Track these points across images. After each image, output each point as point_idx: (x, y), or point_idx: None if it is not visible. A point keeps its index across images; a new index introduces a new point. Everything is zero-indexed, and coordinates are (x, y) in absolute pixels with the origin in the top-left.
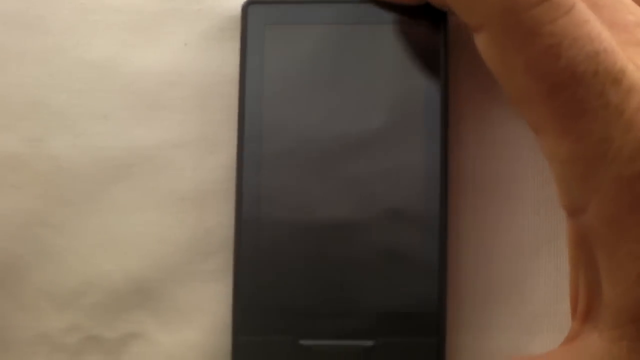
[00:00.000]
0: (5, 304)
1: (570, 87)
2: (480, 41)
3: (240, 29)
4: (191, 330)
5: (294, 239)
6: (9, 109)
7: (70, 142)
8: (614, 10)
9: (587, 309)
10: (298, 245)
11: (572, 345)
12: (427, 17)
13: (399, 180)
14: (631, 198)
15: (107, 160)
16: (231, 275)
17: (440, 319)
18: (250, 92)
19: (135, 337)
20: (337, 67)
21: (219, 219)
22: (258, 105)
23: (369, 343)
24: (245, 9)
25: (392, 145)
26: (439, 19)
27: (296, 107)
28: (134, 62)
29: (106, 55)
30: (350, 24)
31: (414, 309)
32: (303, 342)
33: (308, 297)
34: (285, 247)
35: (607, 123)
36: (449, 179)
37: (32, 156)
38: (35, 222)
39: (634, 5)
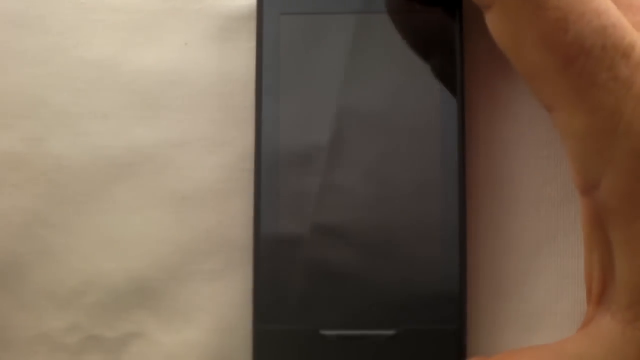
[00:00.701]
0: (6, 303)
1: (579, 59)
2: (491, 18)
3: (255, 18)
4: (191, 329)
5: (313, 229)
6: (9, 108)
7: (70, 141)
8: None
9: (600, 292)
10: (318, 235)
11: (586, 330)
12: (442, 3)
13: (417, 173)
14: None
15: (108, 159)
16: (231, 275)
17: (462, 306)
18: (267, 82)
19: (135, 337)
20: (352, 55)
21: (220, 219)
22: (275, 95)
23: (390, 332)
24: None
25: (408, 136)
26: (453, 5)
27: (313, 97)
28: (134, 61)
29: (106, 54)
30: (364, 12)
31: (434, 297)
32: (324, 332)
33: (328, 287)
34: (304, 236)
35: (617, 96)
36: None
37: (32, 155)
38: (36, 222)
39: None
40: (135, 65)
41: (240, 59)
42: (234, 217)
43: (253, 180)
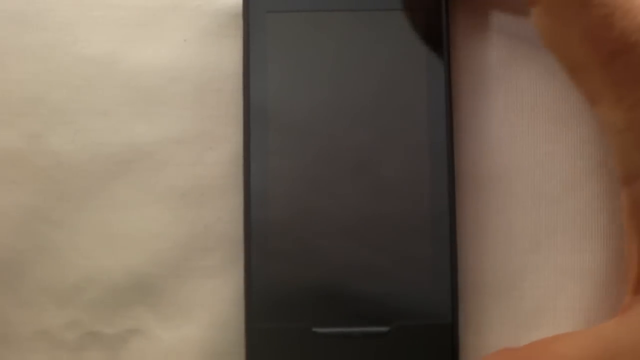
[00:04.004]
0: (5, 300)
1: (623, 55)
2: (537, 14)
3: (242, 17)
4: (190, 325)
5: (304, 227)
6: (8, 105)
7: (69, 138)
8: None
9: (639, 280)
10: (309, 232)
11: (624, 316)
12: (428, 2)
13: (408, 170)
14: None
15: (107, 156)
16: (230, 271)
17: (454, 301)
18: (254, 81)
19: (134, 333)
20: (339, 53)
21: (218, 215)
22: (262, 94)
23: (383, 329)
24: None
25: (398, 133)
26: (439, 4)
27: (300, 95)
28: (133, 58)
29: (105, 51)
30: (350, 10)
31: (427, 293)
32: (317, 329)
33: (321, 284)
34: (296, 234)
35: None
36: None
37: (31, 152)
38: (35, 218)
39: None
40: (135, 61)
41: (239, 55)
42: (233, 214)
43: (242, 178)
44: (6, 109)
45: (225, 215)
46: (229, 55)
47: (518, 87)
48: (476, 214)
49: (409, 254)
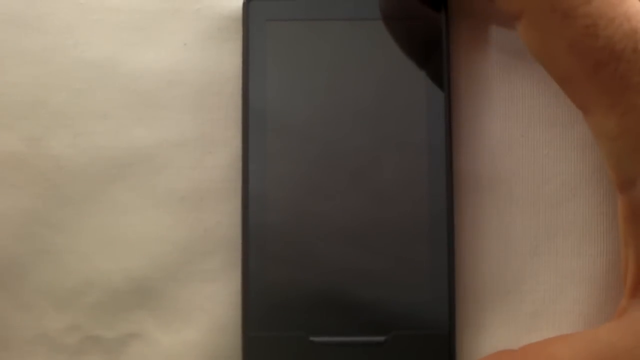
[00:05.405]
0: (5, 304)
1: (610, 64)
2: (521, 28)
3: (242, 25)
4: (190, 329)
5: (302, 235)
6: (8, 109)
7: (69, 141)
8: None
9: (634, 285)
10: (307, 241)
11: (620, 320)
12: (427, 9)
13: (407, 178)
14: None
15: (107, 159)
16: (230, 275)
17: (451, 311)
18: (253, 88)
19: (134, 337)
20: (338, 62)
21: (218, 219)
22: (261, 102)
23: (380, 338)
24: (246, 5)
25: (396, 141)
26: (439, 11)
27: (299, 103)
28: (133, 61)
29: (105, 54)
30: (350, 19)
31: (424, 303)
32: (314, 338)
33: (318, 293)
34: (293, 243)
35: None
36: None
37: (31, 155)
38: (35, 222)
39: None
40: (134, 65)
41: (238, 59)
42: (232, 217)
43: (241, 187)
44: (6, 112)
45: (224, 219)
46: (228, 59)
47: (517, 92)
48: (475, 218)
49: (407, 263)
